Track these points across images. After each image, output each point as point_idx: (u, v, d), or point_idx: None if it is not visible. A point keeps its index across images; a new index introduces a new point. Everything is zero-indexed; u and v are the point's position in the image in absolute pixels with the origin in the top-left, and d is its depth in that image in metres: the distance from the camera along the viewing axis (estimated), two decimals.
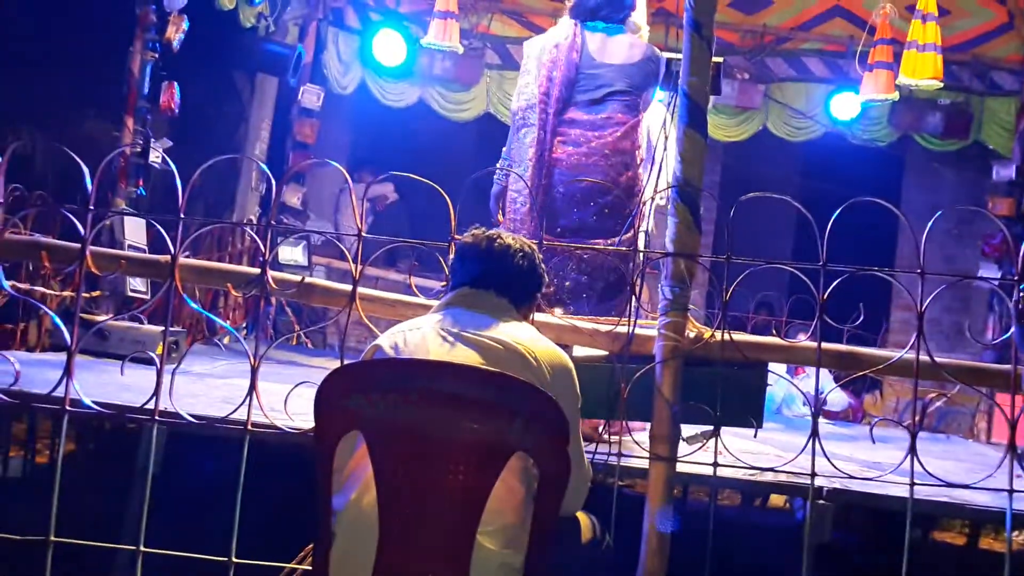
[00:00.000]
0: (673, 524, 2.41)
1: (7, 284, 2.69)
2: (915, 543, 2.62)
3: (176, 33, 5.48)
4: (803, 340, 2.81)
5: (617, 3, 3.69)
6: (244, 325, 6.51)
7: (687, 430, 2.74)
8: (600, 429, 2.85)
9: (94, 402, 2.52)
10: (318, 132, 7.70)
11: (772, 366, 3.02)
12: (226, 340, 5.71)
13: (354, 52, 7.82)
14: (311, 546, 2.10)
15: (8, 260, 3.06)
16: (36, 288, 4.15)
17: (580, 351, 2.90)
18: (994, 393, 3.08)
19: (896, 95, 6.17)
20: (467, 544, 1.78)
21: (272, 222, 2.55)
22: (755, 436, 3.15)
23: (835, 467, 2.52)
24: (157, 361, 2.45)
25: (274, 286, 2.67)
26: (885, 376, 5.57)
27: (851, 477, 2.62)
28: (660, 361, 2.49)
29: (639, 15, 3.79)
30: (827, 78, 7.80)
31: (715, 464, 2.53)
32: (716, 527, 2.45)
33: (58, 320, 2.81)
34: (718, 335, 2.60)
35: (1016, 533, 4.52)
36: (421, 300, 2.76)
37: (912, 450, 2.43)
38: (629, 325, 2.66)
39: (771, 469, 2.59)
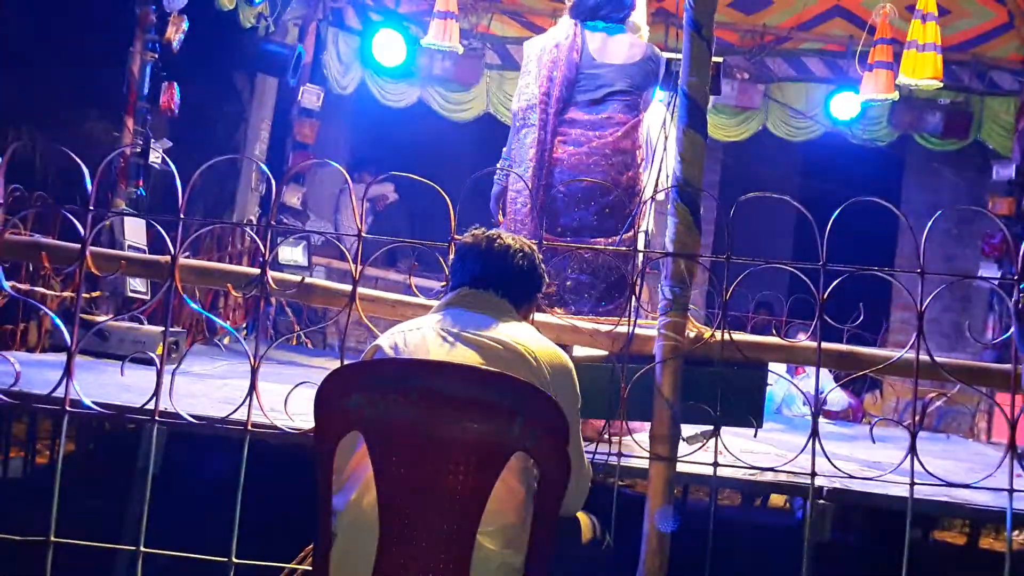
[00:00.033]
0: (673, 524, 2.41)
1: (7, 285, 2.69)
2: (915, 543, 2.62)
3: (176, 33, 5.48)
4: (803, 340, 2.82)
5: (617, 2, 3.69)
6: (244, 325, 6.51)
7: (687, 430, 2.74)
8: (601, 429, 2.85)
9: (94, 402, 2.52)
10: (318, 132, 7.70)
11: (772, 366, 3.02)
12: (226, 340, 5.71)
13: (354, 52, 7.82)
14: (311, 546, 2.10)
15: (8, 260, 3.06)
16: (36, 289, 4.15)
17: (580, 351, 2.91)
18: (994, 393, 3.08)
19: (896, 95, 6.17)
20: (467, 544, 1.78)
21: (272, 222, 2.55)
22: (755, 436, 3.16)
23: (835, 467, 2.52)
24: (157, 361, 2.45)
25: (274, 286, 2.67)
26: (885, 376, 5.57)
27: (851, 477, 2.62)
28: (660, 361, 2.49)
29: (639, 15, 3.79)
30: (827, 78, 7.80)
31: (715, 464, 2.53)
32: (716, 527, 2.45)
33: (58, 320, 2.80)
34: (718, 335, 2.60)
35: (1016, 533, 4.52)
36: (421, 300, 2.76)
37: (912, 450, 2.43)
38: (629, 325, 2.66)
39: (771, 469, 2.60)
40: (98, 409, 2.54)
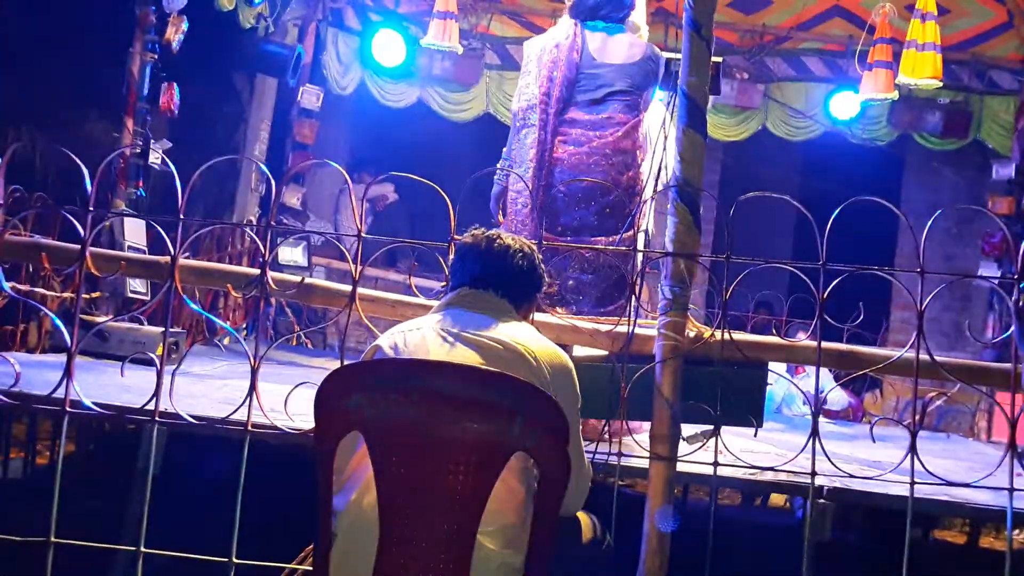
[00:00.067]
0: (673, 524, 2.41)
1: (7, 285, 2.70)
2: (915, 542, 2.62)
3: (176, 34, 5.48)
4: (803, 339, 2.82)
5: (617, 2, 3.69)
6: (244, 326, 6.51)
7: (687, 429, 2.74)
8: (601, 429, 2.85)
9: (94, 403, 2.52)
10: (317, 132, 7.70)
11: (772, 365, 3.02)
12: (226, 341, 5.71)
13: (353, 52, 7.82)
14: (311, 546, 2.10)
15: (8, 261, 3.06)
16: (36, 289, 4.15)
17: (580, 351, 2.91)
18: (994, 392, 3.08)
19: (895, 94, 6.17)
20: (467, 544, 1.78)
21: (272, 223, 2.55)
22: (755, 435, 3.16)
23: (835, 466, 2.52)
24: (157, 362, 2.45)
25: (274, 287, 2.67)
26: (885, 375, 5.58)
27: (851, 476, 2.63)
28: (660, 361, 2.49)
29: (638, 15, 3.79)
30: (826, 77, 7.80)
31: (715, 463, 2.53)
32: (716, 526, 2.45)
33: (58, 321, 2.80)
34: (718, 334, 2.60)
35: (1017, 532, 4.52)
36: (421, 300, 2.76)
37: (912, 449, 2.43)
38: (629, 325, 2.66)
39: (771, 468, 2.60)
40: (98, 410, 2.54)
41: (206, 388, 3.64)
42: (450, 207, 2.59)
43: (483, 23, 7.73)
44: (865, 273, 2.58)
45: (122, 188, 5.41)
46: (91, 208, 2.46)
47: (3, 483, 4.23)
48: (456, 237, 2.42)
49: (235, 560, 2.34)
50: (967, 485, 2.54)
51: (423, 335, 2.08)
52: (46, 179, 5.29)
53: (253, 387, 2.42)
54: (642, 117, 3.66)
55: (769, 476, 2.79)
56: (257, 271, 2.60)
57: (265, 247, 2.51)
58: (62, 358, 2.55)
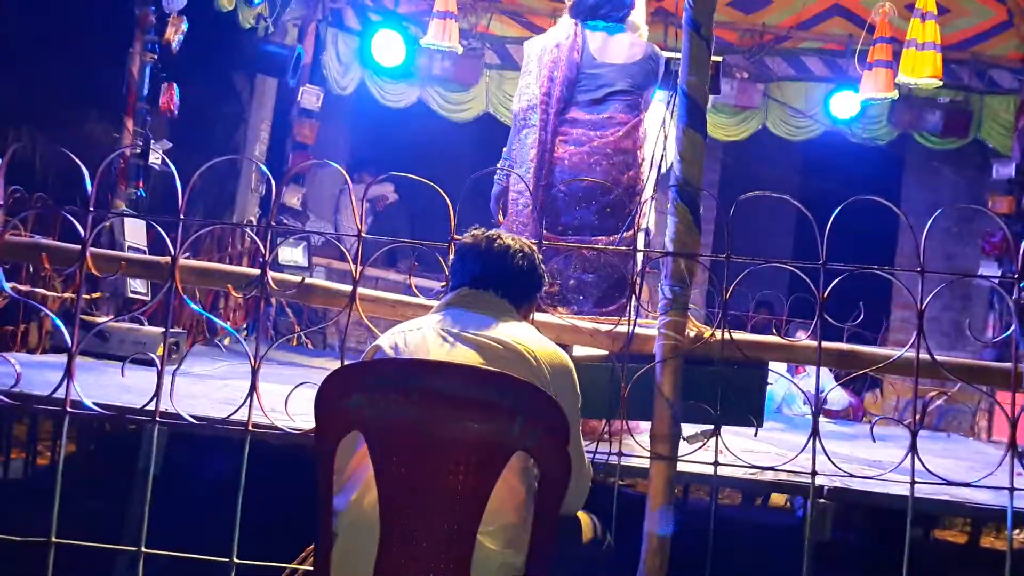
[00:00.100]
0: (672, 527, 2.41)
1: (8, 286, 2.70)
2: (916, 542, 2.62)
3: (175, 34, 5.48)
4: (803, 339, 2.82)
5: (617, 2, 3.69)
6: (244, 326, 6.51)
7: (687, 429, 2.74)
8: (601, 429, 2.85)
9: (95, 403, 2.52)
10: (317, 133, 7.69)
11: (772, 365, 3.02)
12: (226, 341, 5.72)
13: (353, 53, 7.82)
14: (312, 546, 2.10)
15: (9, 262, 3.06)
16: (37, 290, 4.15)
17: (580, 351, 2.91)
18: (994, 391, 3.08)
19: (895, 94, 6.17)
20: (468, 544, 1.78)
21: (272, 223, 2.55)
22: (755, 435, 3.16)
23: (836, 466, 2.52)
24: (158, 362, 2.45)
25: (274, 287, 2.67)
26: (885, 375, 5.58)
27: (852, 476, 2.62)
28: (660, 360, 2.49)
29: (638, 14, 3.79)
30: (826, 77, 7.80)
31: (716, 463, 2.53)
32: (717, 526, 2.45)
33: (59, 322, 2.81)
34: (718, 334, 2.60)
35: (1017, 531, 4.52)
36: (421, 300, 2.76)
37: (913, 448, 2.43)
38: (629, 324, 2.66)
39: (772, 468, 2.60)
40: (99, 410, 2.54)
41: (207, 388, 3.64)
42: (450, 207, 2.59)
43: (483, 23, 7.73)
44: (865, 272, 2.58)
45: (122, 188, 5.41)
46: (91, 208, 2.46)
47: (4, 483, 4.24)
48: (456, 237, 2.42)
49: (236, 560, 2.34)
50: (968, 485, 2.54)
51: (423, 335, 2.08)
52: (46, 179, 5.30)
53: (254, 387, 2.43)
54: (643, 117, 3.66)
55: (769, 476, 2.79)
56: (257, 271, 2.60)
57: (265, 247, 2.51)
58: (63, 358, 2.55)
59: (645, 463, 2.51)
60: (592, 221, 3.54)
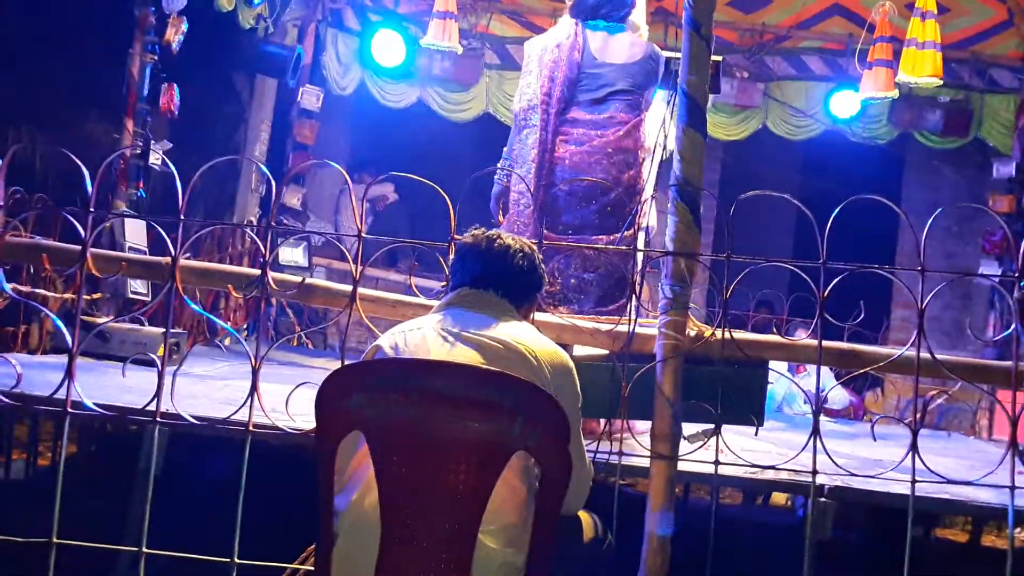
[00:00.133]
0: (672, 528, 2.41)
1: (8, 287, 2.70)
2: (917, 540, 2.62)
3: (175, 35, 5.48)
4: (804, 338, 2.82)
5: (618, 1, 3.69)
6: (245, 326, 6.51)
7: (688, 428, 2.74)
8: (601, 429, 2.85)
9: (96, 404, 2.52)
10: (318, 133, 7.70)
11: (773, 364, 3.02)
12: (227, 341, 5.72)
13: (353, 53, 7.82)
14: (313, 547, 2.11)
15: (9, 263, 3.06)
16: (37, 291, 4.15)
17: (581, 350, 2.91)
18: (995, 390, 3.09)
19: (896, 93, 6.17)
20: (469, 544, 1.78)
21: (272, 223, 2.55)
22: (756, 434, 3.16)
23: (836, 465, 2.52)
24: (158, 363, 2.45)
25: (275, 287, 2.67)
26: (886, 374, 5.58)
27: (852, 475, 2.62)
28: (661, 360, 2.49)
29: (638, 14, 3.79)
30: (826, 76, 7.79)
31: (716, 462, 2.53)
32: (718, 525, 2.45)
33: (59, 322, 2.81)
34: (719, 333, 2.60)
35: (1018, 530, 4.52)
36: (421, 300, 2.76)
37: (913, 447, 2.43)
38: (630, 324, 2.66)
39: (772, 467, 2.60)
40: (100, 410, 2.54)
41: (207, 389, 3.64)
42: (450, 207, 2.59)
43: (483, 23, 7.73)
44: (866, 272, 2.58)
45: (122, 189, 5.42)
46: (92, 209, 2.46)
47: (5, 484, 4.24)
48: (456, 237, 2.42)
49: (237, 560, 2.34)
50: (968, 483, 2.54)
51: (423, 335, 2.08)
52: (46, 180, 5.30)
53: (254, 387, 2.43)
54: (643, 116, 3.66)
55: (770, 475, 2.79)
56: (258, 272, 2.60)
57: (265, 248, 2.51)
58: (63, 359, 2.56)
59: (646, 462, 2.51)
60: (593, 220, 3.54)
